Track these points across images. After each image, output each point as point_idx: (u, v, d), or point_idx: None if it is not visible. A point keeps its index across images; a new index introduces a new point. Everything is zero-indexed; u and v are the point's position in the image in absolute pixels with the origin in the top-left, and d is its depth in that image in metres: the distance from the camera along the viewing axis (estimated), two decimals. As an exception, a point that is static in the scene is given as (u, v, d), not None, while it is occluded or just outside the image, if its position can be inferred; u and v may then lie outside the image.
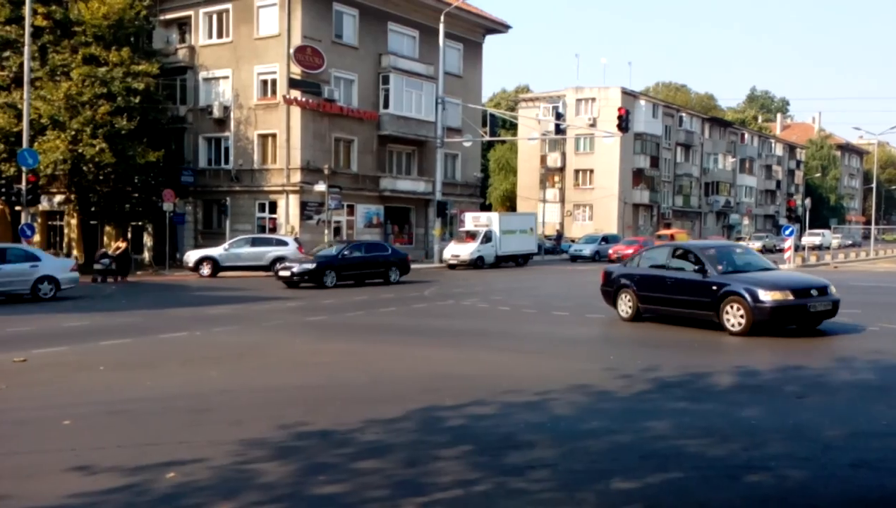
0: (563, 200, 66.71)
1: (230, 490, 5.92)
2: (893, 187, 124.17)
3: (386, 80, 41.51)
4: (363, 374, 10.81)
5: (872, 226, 73.17)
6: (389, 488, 5.93)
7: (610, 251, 45.00)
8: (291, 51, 37.33)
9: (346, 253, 27.83)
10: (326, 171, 35.99)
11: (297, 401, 9.00)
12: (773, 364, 11.42)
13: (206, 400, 9.14)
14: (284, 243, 32.97)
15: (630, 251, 43.28)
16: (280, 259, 30.70)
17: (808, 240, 53.34)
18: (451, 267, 38.22)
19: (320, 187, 36.11)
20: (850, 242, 78.22)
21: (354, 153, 40.82)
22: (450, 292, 24.63)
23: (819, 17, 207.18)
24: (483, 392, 9.25)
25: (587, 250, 48.18)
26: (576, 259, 47.57)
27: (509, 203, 71.68)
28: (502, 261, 40.25)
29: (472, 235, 39.34)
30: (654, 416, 8.16)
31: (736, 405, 8.77)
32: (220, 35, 40.69)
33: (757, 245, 65.50)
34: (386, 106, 41.54)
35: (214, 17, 40.86)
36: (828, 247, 64.33)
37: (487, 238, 39.11)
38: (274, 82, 38.65)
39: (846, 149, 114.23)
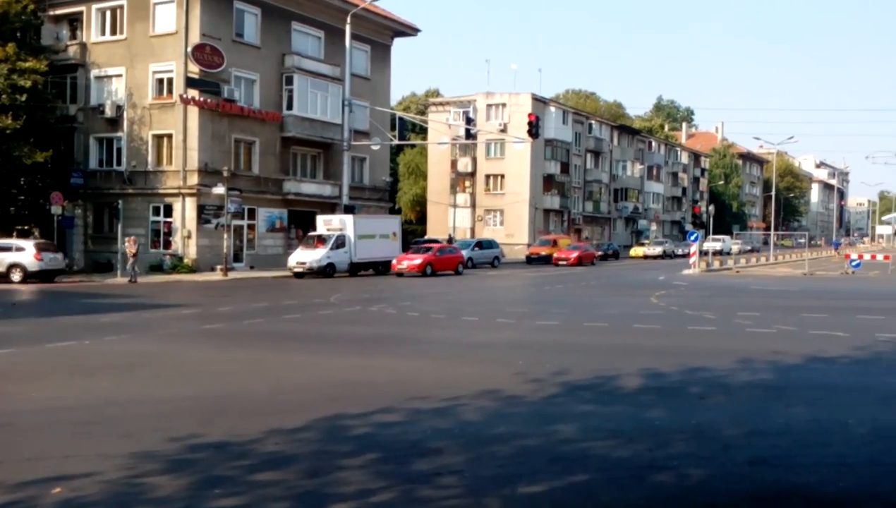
0: (474, 205, 66.44)
1: (120, 505, 5.73)
2: (791, 195, 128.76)
3: (290, 81, 40.47)
4: (263, 384, 10.46)
5: (772, 232, 75.24)
6: (289, 500, 5.75)
7: (393, 261, 37.58)
8: (189, 49, 36.15)
9: None
10: (226, 173, 34.67)
11: (192, 412, 8.69)
12: (678, 366, 11.48)
13: (95, 412, 8.69)
14: (21, 249, 30.93)
15: (418, 261, 36.68)
16: (14, 266, 29.91)
17: (709, 245, 53.96)
18: (298, 275, 34.63)
19: (219, 190, 34.82)
20: (749, 247, 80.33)
21: (256, 155, 39.71)
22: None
23: (721, 32, 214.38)
24: (390, 399, 9.10)
25: None
26: None
27: (419, 207, 71.06)
28: (360, 269, 37.36)
29: (322, 240, 35.90)
30: (562, 420, 8.18)
31: (642, 406, 8.93)
32: (113, 32, 39.15)
33: (657, 250, 65.34)
34: (290, 107, 40.53)
35: (108, 14, 39.28)
36: (728, 253, 65.75)
37: (340, 243, 35.80)
38: (170, 81, 37.35)
39: (747, 158, 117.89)
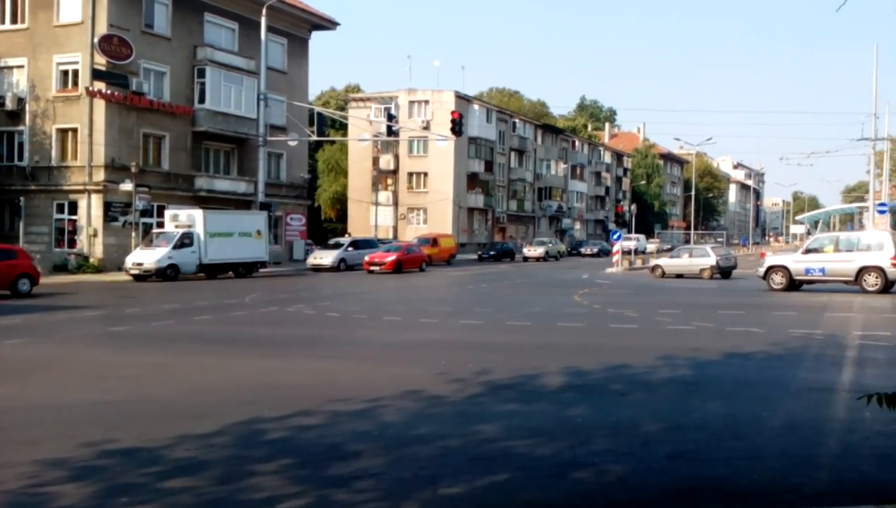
0: (396, 203, 65.73)
1: (20, 516, 5.50)
2: (710, 195, 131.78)
3: (202, 74, 39.24)
4: (174, 387, 10.17)
5: (692, 231, 76.59)
6: (199, 507, 5.63)
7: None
8: (96, 40, 34.77)
9: None
10: (134, 169, 33.50)
11: (99, 418, 8.35)
12: (600, 363, 11.54)
13: (-7, 419, 8.30)
14: None
15: None
16: None
17: (623, 244, 53.16)
18: (137, 277, 30.50)
19: (127, 186, 33.71)
20: (668, 246, 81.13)
21: (166, 150, 38.41)
22: None
23: (643, 34, 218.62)
24: (308, 402, 8.88)
25: (328, 259, 40.06)
26: (317, 270, 39.56)
27: (340, 205, 70.02)
28: (218, 272, 33.31)
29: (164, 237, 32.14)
30: (484, 419, 8.15)
31: (564, 404, 8.98)
32: (14, 20, 37.35)
33: (538, 251, 58.50)
34: (202, 100, 39.29)
35: (7, 1, 37.38)
36: (643, 251, 65.88)
37: (185, 241, 31.63)
38: (76, 73, 35.86)
39: (668, 158, 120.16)
